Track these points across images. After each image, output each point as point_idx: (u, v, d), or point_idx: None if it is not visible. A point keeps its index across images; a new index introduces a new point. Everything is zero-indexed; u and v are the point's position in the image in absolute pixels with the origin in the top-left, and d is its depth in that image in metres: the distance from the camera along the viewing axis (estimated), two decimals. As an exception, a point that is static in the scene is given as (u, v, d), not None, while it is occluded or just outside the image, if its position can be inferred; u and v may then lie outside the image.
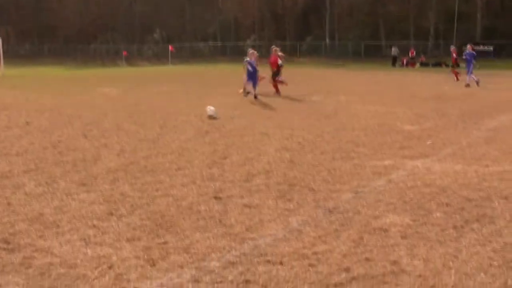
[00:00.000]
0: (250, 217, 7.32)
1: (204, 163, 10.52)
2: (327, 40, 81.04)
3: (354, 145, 12.33)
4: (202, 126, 15.19)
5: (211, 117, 16.69)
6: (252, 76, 23.39)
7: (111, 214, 7.49)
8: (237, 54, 67.18)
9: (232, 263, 5.80)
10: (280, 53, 26.49)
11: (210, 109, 17.14)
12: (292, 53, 70.95)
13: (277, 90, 25.22)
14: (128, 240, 6.51)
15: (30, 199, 8.28)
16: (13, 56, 68.04)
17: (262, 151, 11.61)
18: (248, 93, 23.81)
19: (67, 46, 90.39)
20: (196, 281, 5.37)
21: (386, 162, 10.58)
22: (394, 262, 5.82)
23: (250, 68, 23.45)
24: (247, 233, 6.74)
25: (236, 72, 41.38)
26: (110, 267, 5.74)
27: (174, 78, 38.26)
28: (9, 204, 8.05)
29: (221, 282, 5.35)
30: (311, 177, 9.49)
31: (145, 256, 6.01)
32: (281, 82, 25.62)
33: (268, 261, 5.85)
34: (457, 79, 33.53)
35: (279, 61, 25.61)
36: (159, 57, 78.44)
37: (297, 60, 67.45)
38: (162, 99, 23.09)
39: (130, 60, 73.17)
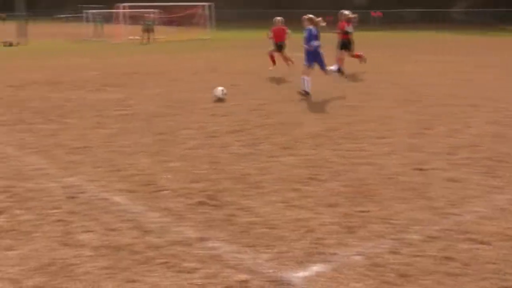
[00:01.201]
0: (453, 192, 7.05)
1: (407, 133, 10.29)
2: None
3: None
4: (406, 95, 14.85)
5: (219, 99, 13.94)
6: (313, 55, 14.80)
7: (312, 178, 7.56)
8: (443, 22, 64.81)
9: (433, 238, 5.63)
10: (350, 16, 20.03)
11: (218, 90, 14.18)
12: (505, 22, 67.06)
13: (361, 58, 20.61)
14: (328, 205, 6.54)
15: (235, 159, 8.59)
16: (221, 19, 70.49)
17: (468, 123, 11.12)
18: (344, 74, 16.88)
19: (272, 10, 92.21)
20: (395, 252, 5.27)
21: None
22: None
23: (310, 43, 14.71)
24: (449, 207, 6.50)
25: (440, 39, 40.00)
26: (309, 231, 5.80)
27: (378, 45, 37.72)
28: (215, 162, 8.41)
29: (420, 256, 5.21)
30: (521, 153, 8.94)
31: (344, 223, 6.00)
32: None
33: (471, 239, 5.59)
34: None
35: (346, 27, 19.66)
36: (363, 23, 77.61)
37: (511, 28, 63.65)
38: (365, 65, 22.85)
39: (334, 25, 73.11)
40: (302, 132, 10.39)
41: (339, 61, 18.97)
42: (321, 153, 8.88)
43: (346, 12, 20.21)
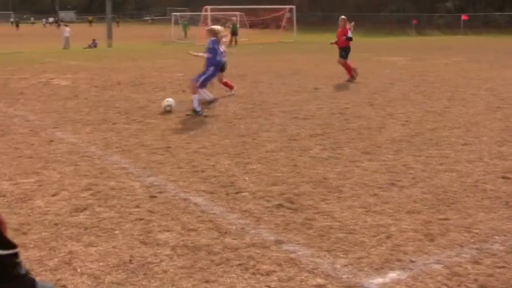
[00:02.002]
0: (541, 202, 6.81)
1: (493, 140, 9.99)
2: None
3: None
4: (493, 101, 14.45)
5: (167, 109, 13.22)
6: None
7: (393, 184, 7.45)
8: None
9: (517, 249, 5.45)
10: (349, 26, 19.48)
11: (168, 101, 13.47)
12: None
13: (349, 73, 18.91)
14: (408, 212, 6.43)
15: (315, 163, 8.55)
16: (305, 23, 70.64)
17: (558, 131, 10.71)
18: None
19: (357, 14, 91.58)
20: (476, 262, 5.12)
21: None
22: None
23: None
24: (536, 218, 6.28)
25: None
26: (388, 237, 5.71)
27: (465, 49, 36.91)
28: (295, 165, 8.39)
29: (503, 267, 5.04)
30: None
31: (424, 230, 5.87)
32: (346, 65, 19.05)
33: (559, 251, 5.39)
34: None
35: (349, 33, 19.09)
36: (450, 27, 76.14)
37: None
38: (451, 70, 22.39)
39: (420, 29, 71.96)
40: (383, 137, 10.26)
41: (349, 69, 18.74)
42: (402, 159, 8.73)
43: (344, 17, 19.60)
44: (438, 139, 10.09)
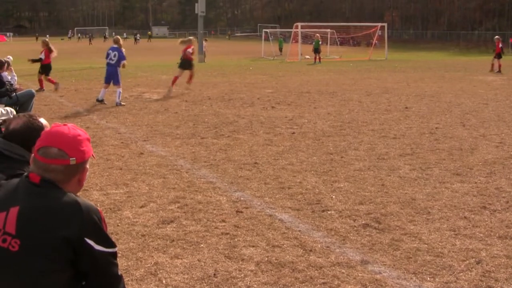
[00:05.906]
0: None
1: None
2: None
3: None
4: None
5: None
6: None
7: (484, 208, 7.22)
8: None
9: None
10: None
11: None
12: None
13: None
14: (500, 237, 6.21)
15: (403, 183, 8.40)
16: (397, 41, 69.86)
17: None
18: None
19: (450, 31, 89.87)
20: None
21: None
22: None
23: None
24: None
25: None
26: (478, 262, 5.53)
27: None
28: (383, 185, 8.27)
29: None
30: None
31: (518, 257, 5.67)
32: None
33: None
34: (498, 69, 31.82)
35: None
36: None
37: None
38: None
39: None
40: (475, 158, 9.98)
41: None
42: (495, 182, 8.46)
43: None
44: (532, 162, 9.73)
